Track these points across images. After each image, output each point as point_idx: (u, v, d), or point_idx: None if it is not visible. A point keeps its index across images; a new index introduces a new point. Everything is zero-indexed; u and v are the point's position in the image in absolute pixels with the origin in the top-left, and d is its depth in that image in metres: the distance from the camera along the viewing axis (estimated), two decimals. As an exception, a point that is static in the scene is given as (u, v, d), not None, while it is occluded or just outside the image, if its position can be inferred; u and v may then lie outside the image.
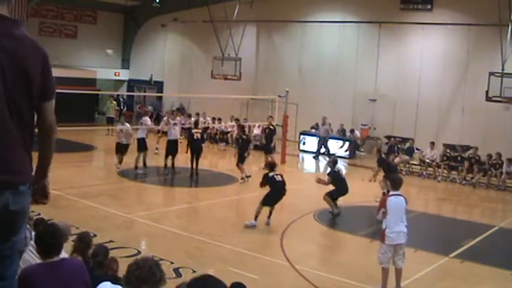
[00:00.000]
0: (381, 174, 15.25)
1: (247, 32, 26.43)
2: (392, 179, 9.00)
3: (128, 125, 17.42)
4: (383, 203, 8.63)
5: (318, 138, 23.23)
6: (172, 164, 17.50)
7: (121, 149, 17.02)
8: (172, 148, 17.39)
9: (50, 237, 4.12)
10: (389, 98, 23.85)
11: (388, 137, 22.60)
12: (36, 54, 2.89)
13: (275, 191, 12.11)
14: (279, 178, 12.42)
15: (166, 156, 17.47)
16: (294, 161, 22.38)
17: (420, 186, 18.59)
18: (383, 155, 16.40)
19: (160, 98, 31.06)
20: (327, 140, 23.09)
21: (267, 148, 19.55)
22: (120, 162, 17.13)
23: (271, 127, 19.73)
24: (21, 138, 2.83)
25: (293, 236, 11.58)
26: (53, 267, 4.04)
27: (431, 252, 11.25)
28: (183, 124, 22.69)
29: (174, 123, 18.50)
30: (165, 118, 20.00)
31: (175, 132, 18.05)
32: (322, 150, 23.07)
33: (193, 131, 17.33)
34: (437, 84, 22.65)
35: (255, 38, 28.02)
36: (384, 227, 8.54)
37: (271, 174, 12.42)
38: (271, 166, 12.92)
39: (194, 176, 16.94)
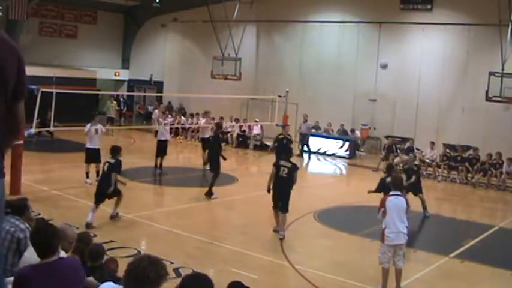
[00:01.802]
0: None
1: (247, 32, 26.43)
2: (393, 179, 8.99)
3: (100, 125, 15.76)
4: (382, 203, 8.64)
5: (300, 136, 23.27)
6: (160, 164, 17.36)
7: (94, 156, 14.87)
8: (160, 149, 17.26)
9: (40, 237, 4.14)
10: (389, 98, 23.86)
11: (388, 137, 22.63)
12: (12, 56, 2.94)
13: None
14: (284, 173, 11.20)
15: (157, 157, 17.38)
16: (294, 161, 22.33)
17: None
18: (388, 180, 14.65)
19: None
20: (308, 138, 23.13)
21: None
22: (97, 172, 14.25)
23: (289, 136, 18.06)
24: None
25: (293, 236, 11.58)
26: (49, 267, 4.04)
27: (431, 252, 11.25)
28: (182, 124, 22.73)
29: (165, 124, 18.38)
30: (155, 117, 20.31)
31: (166, 133, 17.83)
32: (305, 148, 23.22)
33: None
34: (437, 84, 22.66)
35: (255, 38, 28.02)
36: (383, 226, 8.55)
37: (281, 162, 11.41)
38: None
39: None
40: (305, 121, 23.31)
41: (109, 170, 11.47)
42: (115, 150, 11.80)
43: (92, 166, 15.01)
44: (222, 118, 25.57)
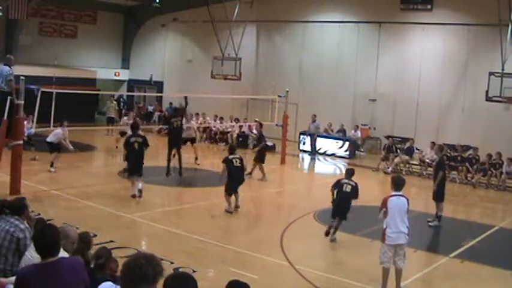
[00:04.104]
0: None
1: (247, 32, 26.42)
2: (394, 180, 8.98)
3: (66, 129, 16.55)
4: (384, 203, 8.63)
5: (309, 136, 23.29)
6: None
7: (56, 147, 16.35)
8: None
9: (43, 239, 4.14)
10: (389, 97, 23.86)
11: (388, 137, 22.62)
12: None
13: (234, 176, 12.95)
14: (237, 163, 13.06)
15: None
16: (294, 161, 22.37)
17: (420, 186, 18.57)
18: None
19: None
20: (316, 137, 23.15)
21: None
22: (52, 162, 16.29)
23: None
24: None
25: (293, 236, 11.58)
26: (50, 267, 4.05)
27: (431, 252, 11.26)
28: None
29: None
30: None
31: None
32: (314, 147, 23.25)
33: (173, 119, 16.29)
34: (437, 84, 22.67)
35: (255, 38, 28.02)
36: (384, 226, 8.54)
37: (230, 157, 13.15)
38: (231, 149, 13.53)
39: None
40: (314, 121, 23.27)
41: (141, 146, 13.67)
42: (137, 127, 14.38)
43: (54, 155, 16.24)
44: (222, 118, 25.70)
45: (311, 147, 23.45)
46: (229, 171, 13.07)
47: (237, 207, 13.29)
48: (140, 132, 14.64)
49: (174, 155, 16.59)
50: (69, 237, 5.35)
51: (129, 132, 15.42)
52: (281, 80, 25.58)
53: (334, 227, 11.29)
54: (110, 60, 32.59)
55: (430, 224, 13.17)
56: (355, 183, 11.36)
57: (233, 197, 13.26)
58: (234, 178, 13.15)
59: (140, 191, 13.60)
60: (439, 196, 13.33)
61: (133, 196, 13.52)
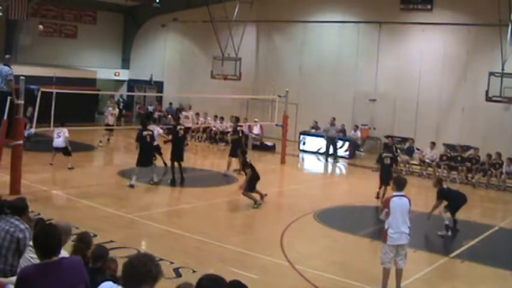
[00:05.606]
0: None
1: (247, 32, 26.43)
2: (396, 180, 8.98)
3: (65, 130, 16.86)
4: (386, 204, 8.64)
5: (326, 139, 22.85)
6: None
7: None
8: None
9: (46, 238, 4.12)
10: (389, 98, 23.85)
11: (388, 137, 22.58)
12: None
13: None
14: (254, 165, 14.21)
15: None
16: (294, 161, 22.37)
17: (420, 186, 18.57)
18: (444, 186, 13.01)
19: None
20: (336, 141, 22.80)
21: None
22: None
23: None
24: None
25: (293, 236, 11.58)
26: (51, 267, 4.03)
27: (431, 252, 11.24)
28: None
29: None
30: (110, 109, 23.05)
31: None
32: (330, 151, 22.78)
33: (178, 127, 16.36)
34: (437, 84, 22.66)
35: (255, 38, 28.03)
36: (386, 227, 8.55)
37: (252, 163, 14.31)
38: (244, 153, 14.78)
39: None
40: (333, 124, 22.59)
41: (152, 138, 15.29)
42: (146, 122, 15.92)
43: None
44: (222, 118, 25.67)
45: (327, 150, 22.68)
46: (254, 175, 13.95)
47: (264, 195, 14.19)
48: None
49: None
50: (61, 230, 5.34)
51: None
52: (281, 80, 25.58)
53: (382, 192, 14.61)
54: (110, 60, 32.58)
55: (443, 234, 12.17)
56: (393, 154, 16.10)
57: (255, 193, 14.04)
58: (256, 179, 14.07)
59: (132, 185, 14.85)
60: (454, 206, 12.50)
61: (131, 186, 14.78)
